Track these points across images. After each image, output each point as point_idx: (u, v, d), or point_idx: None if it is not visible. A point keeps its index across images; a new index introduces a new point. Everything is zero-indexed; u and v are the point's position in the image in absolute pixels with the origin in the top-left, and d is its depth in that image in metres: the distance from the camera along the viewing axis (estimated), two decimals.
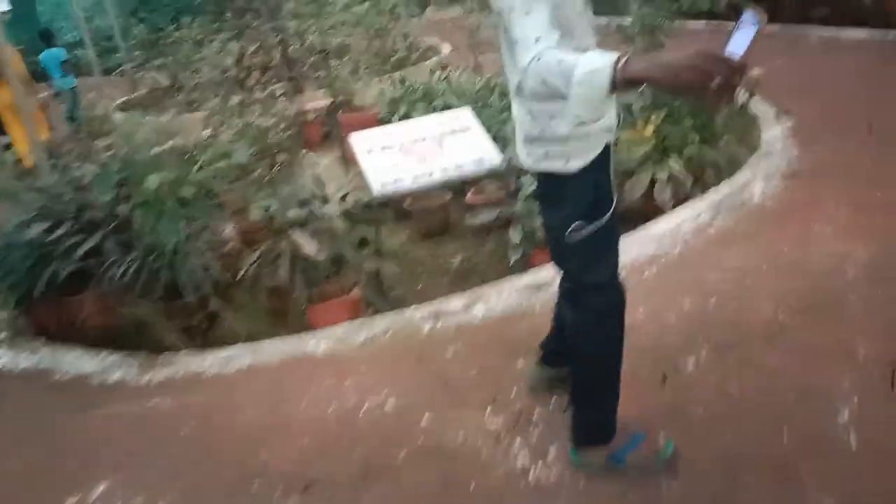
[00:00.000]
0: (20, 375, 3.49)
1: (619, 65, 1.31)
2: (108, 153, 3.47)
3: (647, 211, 3.78)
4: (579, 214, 1.87)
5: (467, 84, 5.72)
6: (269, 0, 8.85)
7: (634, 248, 3.43)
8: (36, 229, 3.25)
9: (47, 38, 10.11)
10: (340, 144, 6.66)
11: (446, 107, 5.39)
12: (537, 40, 1.43)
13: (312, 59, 8.10)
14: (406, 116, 5.30)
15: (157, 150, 5.60)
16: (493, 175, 3.82)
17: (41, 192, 3.52)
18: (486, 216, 3.70)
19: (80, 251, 3.23)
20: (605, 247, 1.97)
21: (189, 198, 3.06)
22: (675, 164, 3.88)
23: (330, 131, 7.95)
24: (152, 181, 2.88)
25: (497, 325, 3.05)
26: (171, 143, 6.57)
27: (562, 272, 2.11)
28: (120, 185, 3.16)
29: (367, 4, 9.41)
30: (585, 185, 1.87)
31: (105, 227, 3.29)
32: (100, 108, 9.87)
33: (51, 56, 9.72)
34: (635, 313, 2.74)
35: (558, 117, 1.74)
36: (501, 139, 4.22)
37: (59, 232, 3.26)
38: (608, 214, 1.91)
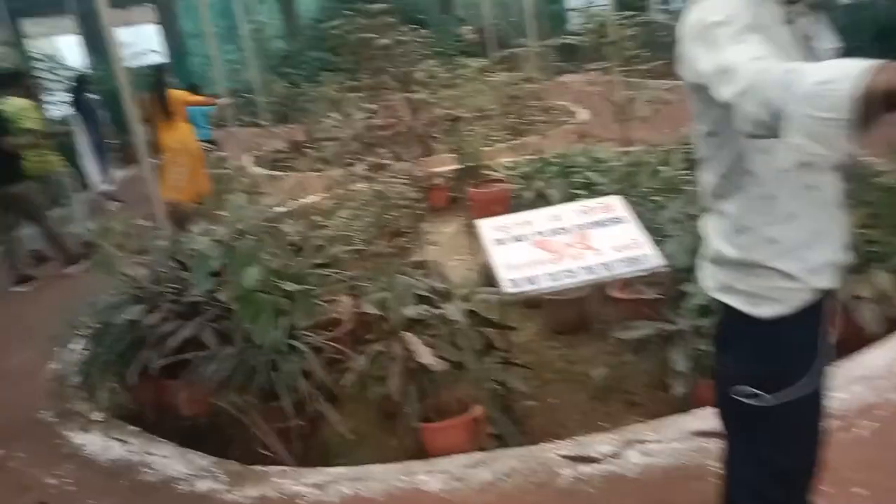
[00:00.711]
0: (107, 467, 3.20)
1: (869, 74, 0.96)
2: (218, 230, 3.15)
3: (847, 337, 3.00)
4: (750, 376, 1.40)
5: (611, 159, 5.14)
6: (404, 62, 8.74)
7: (838, 391, 2.68)
8: (132, 311, 2.97)
9: (194, 91, 10.52)
10: (466, 212, 6.26)
11: (587, 185, 4.82)
12: (755, 59, 1.16)
13: (444, 123, 7.81)
14: (541, 195, 4.78)
15: (279, 209, 5.48)
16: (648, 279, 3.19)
17: (144, 267, 3.27)
18: (640, 331, 3.06)
19: (175, 340, 2.91)
20: (782, 432, 1.44)
21: (292, 292, 2.67)
22: (882, 278, 3.10)
23: (456, 197, 7.63)
24: (250, 277, 2.51)
25: (659, 482, 2.39)
26: (293, 204, 6.47)
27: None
28: (219, 272, 2.83)
29: (500, 70, 9.15)
30: (772, 342, 1.39)
31: (204, 315, 2.95)
32: (236, 160, 10.10)
33: (199, 109, 10.04)
34: (846, 493, 2.03)
35: (760, 231, 1.38)
36: (654, 231, 3.60)
37: (157, 316, 2.96)
38: (798, 386, 1.38)
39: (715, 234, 1.50)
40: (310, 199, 6.85)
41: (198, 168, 7.18)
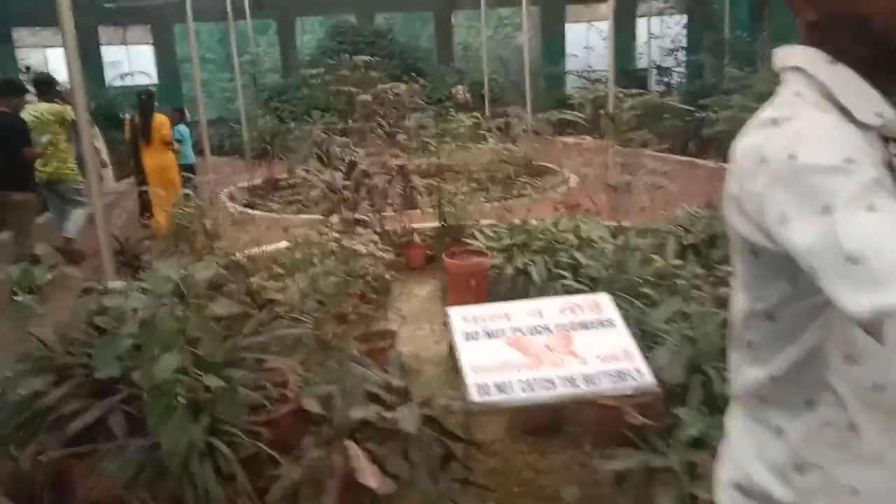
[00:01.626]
0: None
1: None
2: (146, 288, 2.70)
3: None
4: None
5: (599, 238, 4.78)
6: (396, 111, 8.45)
7: None
8: (32, 383, 2.50)
9: (180, 115, 10.15)
10: (443, 275, 5.87)
11: (573, 266, 4.45)
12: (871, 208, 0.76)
13: (429, 178, 7.48)
14: (522, 272, 4.39)
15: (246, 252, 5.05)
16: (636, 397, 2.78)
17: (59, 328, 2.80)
18: (622, 461, 2.63)
19: (78, 425, 2.43)
20: None
21: (215, 389, 2.23)
22: None
23: (434, 256, 7.24)
24: (165, 367, 2.07)
25: None
26: (256, 250, 6.03)
27: None
28: (134, 350, 2.38)
29: (494, 127, 8.89)
30: None
31: (115, 395, 2.49)
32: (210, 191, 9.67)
33: (186, 131, 9.63)
34: None
35: (832, 473, 0.94)
36: (645, 335, 3.22)
37: (60, 392, 2.49)
38: None
39: (753, 453, 1.04)
40: (277, 245, 6.41)
41: (171, 195, 6.97)
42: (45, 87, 7.31)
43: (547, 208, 7.35)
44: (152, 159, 7.46)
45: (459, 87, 14.53)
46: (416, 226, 7.37)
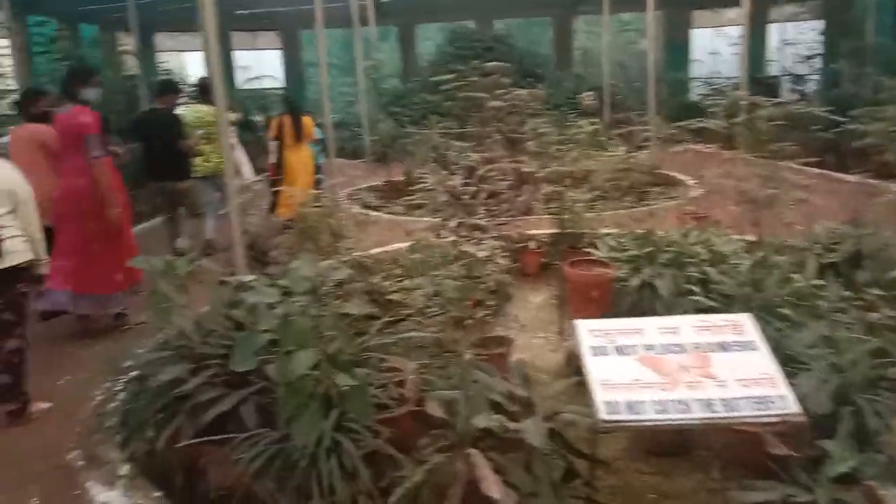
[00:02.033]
0: None
1: None
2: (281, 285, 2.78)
3: None
4: None
5: (733, 254, 4.51)
6: (515, 117, 8.37)
7: None
8: (173, 370, 2.62)
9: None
10: (559, 283, 5.75)
11: (703, 282, 4.22)
12: None
13: (547, 184, 7.34)
14: (647, 285, 4.22)
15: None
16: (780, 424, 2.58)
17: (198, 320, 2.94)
18: (763, 494, 2.45)
19: (212, 413, 2.53)
20: None
21: (346, 387, 2.25)
22: None
23: (548, 263, 7.12)
24: (300, 363, 2.11)
25: None
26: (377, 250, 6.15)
27: None
28: (270, 346, 2.45)
29: (615, 134, 8.65)
30: None
31: (249, 387, 2.58)
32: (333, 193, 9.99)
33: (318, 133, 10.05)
34: None
35: None
36: (786, 360, 2.99)
37: (197, 380, 2.60)
38: None
39: None
40: (395, 246, 6.52)
41: (310, 184, 7.98)
42: (207, 90, 7.74)
43: (672, 219, 7.07)
44: (296, 156, 8.02)
45: (590, 93, 14.22)
46: (530, 232, 7.29)
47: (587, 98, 13.75)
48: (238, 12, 16.86)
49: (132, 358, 3.09)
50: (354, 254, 6.47)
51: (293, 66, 19.48)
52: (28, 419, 3.86)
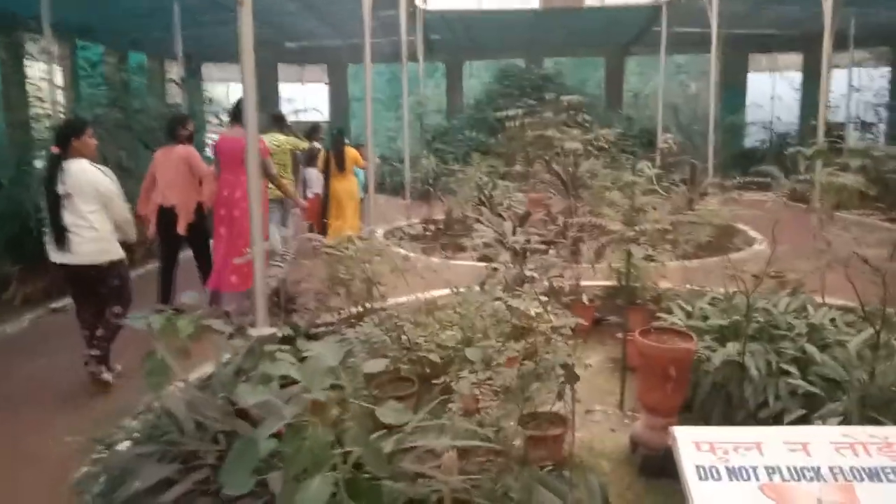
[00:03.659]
0: None
1: None
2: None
3: None
4: None
5: (828, 323, 3.81)
6: (566, 157, 7.79)
7: None
8: (152, 475, 2.04)
9: (360, 152, 10.28)
10: (618, 341, 5.09)
11: (803, 362, 3.53)
12: None
13: (602, 231, 6.70)
14: (734, 363, 3.53)
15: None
16: None
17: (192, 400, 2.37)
18: None
19: None
20: None
21: None
22: None
23: (601, 319, 6.45)
24: (311, 498, 1.51)
25: None
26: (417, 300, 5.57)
27: None
28: (270, 457, 1.86)
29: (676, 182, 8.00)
30: None
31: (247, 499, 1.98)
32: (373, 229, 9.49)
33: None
34: None
35: None
36: None
37: (180, 489, 2.02)
38: None
39: None
40: (436, 293, 5.94)
41: (355, 215, 8.72)
42: (281, 121, 8.47)
43: (739, 273, 6.33)
44: (341, 185, 8.70)
45: (668, 136, 13.50)
46: (583, 283, 6.65)
47: (666, 141, 13.04)
48: (287, 44, 16.76)
49: (112, 451, 2.50)
50: (389, 301, 5.93)
51: (338, 100, 19.31)
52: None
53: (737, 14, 12.25)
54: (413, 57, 13.12)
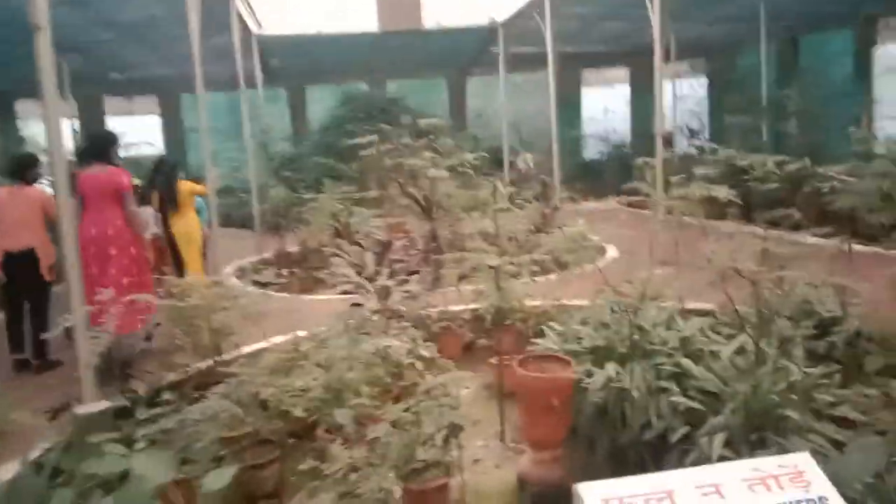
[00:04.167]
0: None
1: None
2: None
3: None
4: None
5: (694, 332, 3.81)
6: (414, 179, 7.59)
7: None
8: None
9: (199, 183, 9.44)
10: (491, 367, 4.89)
11: (681, 376, 3.46)
12: None
13: (458, 250, 6.54)
14: (614, 387, 3.40)
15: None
16: None
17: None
18: None
19: None
20: None
21: None
22: None
23: (472, 342, 6.25)
24: None
25: None
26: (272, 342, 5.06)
27: None
28: None
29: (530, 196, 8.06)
30: None
31: None
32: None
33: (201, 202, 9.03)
34: None
35: None
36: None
37: None
38: None
39: None
40: (292, 336, 5.44)
41: (197, 257, 7.63)
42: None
43: (594, 283, 6.38)
44: (179, 225, 7.61)
45: (527, 155, 13.55)
46: (447, 308, 6.42)
47: (520, 163, 13.10)
48: (112, 76, 15.47)
49: None
50: (244, 350, 5.39)
51: (173, 132, 18.11)
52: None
53: (569, 32, 12.75)
54: (251, 83, 12.49)
